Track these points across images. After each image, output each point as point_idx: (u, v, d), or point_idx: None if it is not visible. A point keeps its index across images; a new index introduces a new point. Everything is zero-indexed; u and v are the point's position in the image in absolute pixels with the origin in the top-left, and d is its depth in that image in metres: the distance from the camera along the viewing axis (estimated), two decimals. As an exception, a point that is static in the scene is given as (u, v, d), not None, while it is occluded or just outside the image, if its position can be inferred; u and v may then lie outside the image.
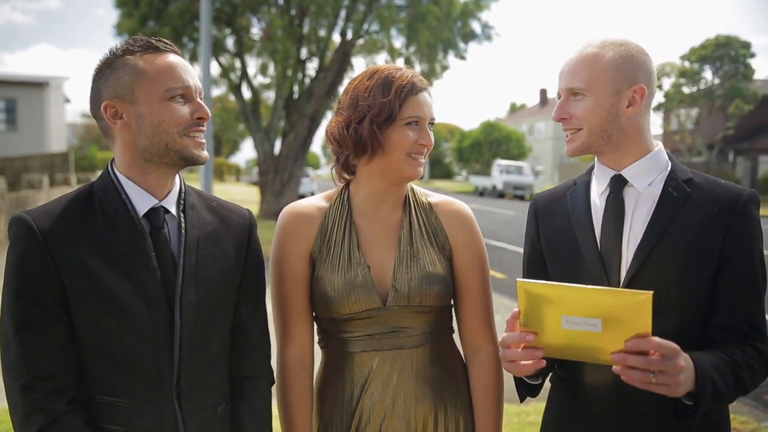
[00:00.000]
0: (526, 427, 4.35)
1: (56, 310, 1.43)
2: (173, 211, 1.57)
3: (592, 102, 1.60)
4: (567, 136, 1.67)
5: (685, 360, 1.37)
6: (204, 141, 1.57)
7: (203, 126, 1.55)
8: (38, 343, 1.41)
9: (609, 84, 1.59)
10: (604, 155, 1.66)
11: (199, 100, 1.54)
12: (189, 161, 1.54)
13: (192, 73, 1.55)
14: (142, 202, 1.53)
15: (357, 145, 1.73)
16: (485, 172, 41.16)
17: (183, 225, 1.56)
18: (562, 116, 1.64)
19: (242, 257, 1.67)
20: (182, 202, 1.60)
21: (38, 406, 1.39)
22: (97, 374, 1.47)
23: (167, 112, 1.49)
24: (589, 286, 1.37)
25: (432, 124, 1.79)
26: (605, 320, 1.33)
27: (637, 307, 1.31)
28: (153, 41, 1.54)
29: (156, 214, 1.53)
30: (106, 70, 1.52)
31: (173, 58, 1.53)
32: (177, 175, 1.63)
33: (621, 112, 1.61)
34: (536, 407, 4.53)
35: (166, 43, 1.56)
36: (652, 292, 1.30)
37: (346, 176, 1.84)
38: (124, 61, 1.50)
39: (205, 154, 1.57)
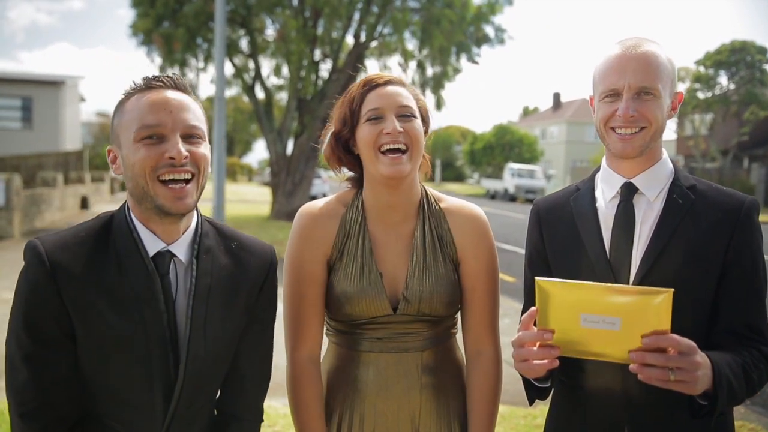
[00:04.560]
0: (532, 429, 4.35)
1: (63, 341, 1.41)
2: (183, 255, 1.50)
3: (659, 102, 1.59)
4: (625, 135, 1.60)
5: (701, 357, 1.38)
6: (184, 187, 1.43)
7: (180, 167, 1.42)
8: (45, 373, 1.40)
9: (669, 86, 1.62)
10: (635, 159, 1.65)
11: (177, 139, 1.42)
12: (162, 211, 1.43)
13: (176, 109, 1.44)
14: (149, 244, 1.48)
15: (333, 158, 1.83)
16: (497, 175, 41.03)
17: (194, 272, 1.50)
18: (632, 114, 1.57)
19: (252, 300, 1.60)
20: (197, 246, 1.53)
21: None
22: (98, 400, 1.47)
23: (137, 153, 1.41)
24: (610, 284, 1.39)
25: (407, 115, 1.73)
26: (624, 318, 1.34)
27: (657, 304, 1.32)
28: (152, 79, 1.48)
29: (161, 259, 1.48)
30: (114, 113, 1.52)
31: (156, 96, 1.45)
32: (194, 216, 1.56)
33: (668, 115, 1.64)
34: (543, 410, 4.52)
35: (162, 80, 1.48)
36: (672, 289, 1.32)
37: (357, 186, 1.88)
38: (121, 103, 1.50)
39: (181, 204, 1.43)
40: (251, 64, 19.93)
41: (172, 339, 1.46)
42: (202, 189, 1.49)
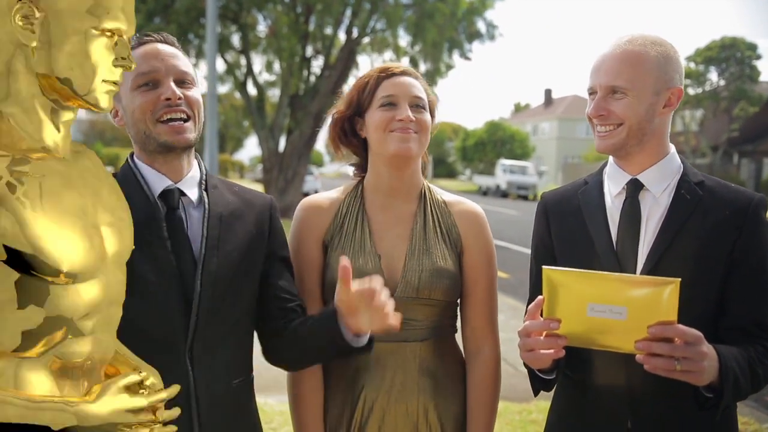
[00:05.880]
0: (528, 425, 4.37)
1: None
2: (191, 193, 1.63)
3: (633, 101, 1.58)
4: (601, 132, 1.64)
5: (708, 348, 1.39)
6: (183, 124, 1.58)
7: (176, 106, 1.56)
8: None
9: (651, 84, 1.59)
10: (630, 156, 1.65)
11: (170, 82, 1.56)
12: (166, 147, 1.58)
13: (167, 57, 1.58)
14: (156, 182, 1.60)
15: (337, 138, 1.86)
16: (489, 171, 41.08)
17: (207, 201, 1.63)
18: (600, 113, 1.61)
19: (265, 233, 1.71)
20: (204, 182, 1.67)
21: None
22: (121, 338, 1.53)
23: (136, 100, 1.56)
24: (617, 274, 1.39)
25: (419, 106, 1.79)
26: (631, 308, 1.35)
27: (664, 294, 1.33)
28: (143, 35, 1.62)
29: (171, 195, 1.60)
30: None
31: (148, 48, 1.59)
32: (194, 160, 1.69)
33: (657, 112, 1.62)
34: (538, 405, 4.54)
35: (152, 36, 1.62)
36: (679, 279, 1.32)
37: (361, 174, 1.92)
38: None
39: (182, 138, 1.57)
40: (243, 61, 19.83)
41: (184, 269, 1.55)
42: (200, 131, 1.63)
